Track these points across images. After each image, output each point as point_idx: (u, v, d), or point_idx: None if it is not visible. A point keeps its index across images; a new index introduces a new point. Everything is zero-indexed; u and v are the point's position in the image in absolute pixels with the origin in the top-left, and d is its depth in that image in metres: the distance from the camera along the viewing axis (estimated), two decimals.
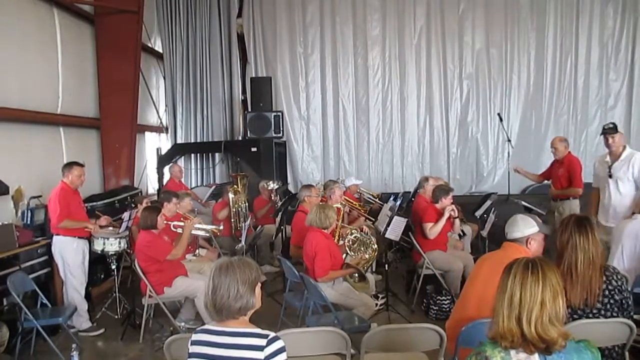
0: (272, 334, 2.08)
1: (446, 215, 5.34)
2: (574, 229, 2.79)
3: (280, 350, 2.05)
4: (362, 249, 5.06)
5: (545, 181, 6.57)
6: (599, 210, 5.24)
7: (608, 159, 5.07)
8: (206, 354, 2.11)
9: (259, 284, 2.17)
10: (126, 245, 5.39)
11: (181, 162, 8.96)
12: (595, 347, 1.84)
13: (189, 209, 6.00)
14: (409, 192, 7.46)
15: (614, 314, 2.75)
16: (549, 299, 1.77)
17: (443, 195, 5.47)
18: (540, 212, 6.14)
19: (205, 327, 2.20)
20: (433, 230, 5.34)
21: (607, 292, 2.74)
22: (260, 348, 2.03)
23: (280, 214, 6.34)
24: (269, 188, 7.22)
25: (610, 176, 4.98)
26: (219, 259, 2.25)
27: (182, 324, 4.90)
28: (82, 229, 5.05)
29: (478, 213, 6.31)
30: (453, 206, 5.42)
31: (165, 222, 4.96)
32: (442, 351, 2.89)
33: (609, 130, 4.98)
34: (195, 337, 2.17)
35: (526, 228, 2.98)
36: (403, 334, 3.03)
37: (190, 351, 2.16)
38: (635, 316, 2.86)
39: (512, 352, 1.77)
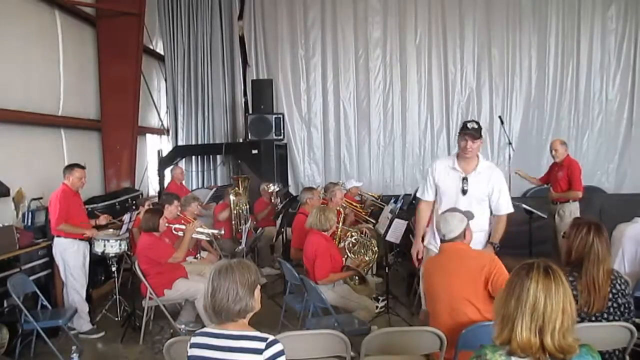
0: (270, 337, 2.08)
1: None
2: (596, 236, 2.73)
3: (279, 354, 2.05)
4: (362, 251, 5.06)
5: (545, 185, 6.56)
6: (429, 232, 3.99)
7: (457, 166, 3.86)
8: (205, 357, 2.11)
9: (259, 287, 2.16)
10: (127, 247, 5.39)
11: (182, 164, 8.96)
12: (596, 351, 1.81)
13: (195, 213, 5.99)
14: (410, 195, 7.45)
15: (617, 318, 2.74)
16: (568, 305, 1.71)
17: None
18: (542, 215, 6.13)
19: (205, 329, 2.20)
20: None
21: (611, 296, 2.73)
22: (259, 351, 2.03)
23: (280, 216, 6.34)
24: (269, 190, 7.21)
25: (464, 192, 3.83)
26: (218, 262, 2.25)
27: (182, 326, 4.90)
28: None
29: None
30: None
31: (166, 224, 4.96)
32: (443, 354, 2.88)
33: (473, 132, 3.71)
34: (195, 339, 2.17)
35: (461, 223, 3.08)
36: (403, 337, 3.02)
37: (189, 354, 2.16)
38: (636, 320, 2.85)
39: (514, 358, 1.72)
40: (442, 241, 3.14)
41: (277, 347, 2.05)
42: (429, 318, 3.14)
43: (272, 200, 7.19)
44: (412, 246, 4.16)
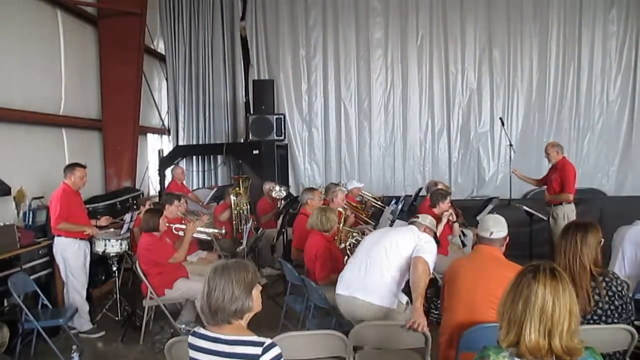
0: (268, 341, 2.03)
1: (444, 221, 5.32)
2: (574, 232, 2.76)
3: (277, 358, 2.01)
4: None
5: (543, 186, 6.58)
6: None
7: None
8: None
9: (258, 287, 2.11)
10: (127, 247, 5.39)
11: (183, 164, 8.96)
12: (599, 354, 1.81)
13: (182, 211, 5.98)
14: (411, 196, 7.45)
15: (615, 320, 2.73)
16: (574, 306, 1.70)
17: (441, 200, 5.44)
18: (542, 217, 6.14)
19: (201, 331, 2.13)
20: None
21: (607, 299, 2.72)
22: (255, 357, 1.98)
23: (281, 216, 6.33)
24: (274, 195, 7.11)
25: None
26: (216, 261, 2.22)
27: (183, 326, 4.89)
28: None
29: (479, 217, 6.29)
30: (451, 210, 5.40)
31: (167, 224, 4.96)
32: (428, 350, 2.95)
33: None
34: (192, 340, 2.13)
35: (505, 226, 3.07)
36: (393, 330, 3.07)
37: (190, 355, 2.14)
38: (636, 322, 2.85)
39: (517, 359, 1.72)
40: (482, 239, 3.11)
41: (274, 352, 2.00)
42: (443, 310, 3.12)
43: (278, 205, 7.12)
44: (414, 315, 3.08)
